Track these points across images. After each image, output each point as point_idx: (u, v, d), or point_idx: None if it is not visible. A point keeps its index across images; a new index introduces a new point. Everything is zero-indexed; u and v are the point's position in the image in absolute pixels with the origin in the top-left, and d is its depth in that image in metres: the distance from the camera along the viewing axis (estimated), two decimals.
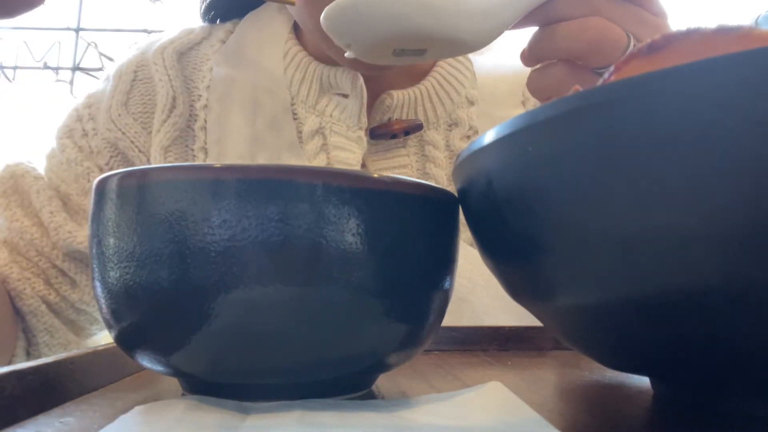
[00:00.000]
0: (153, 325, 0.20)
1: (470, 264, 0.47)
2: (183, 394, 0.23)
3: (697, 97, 0.14)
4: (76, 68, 1.55)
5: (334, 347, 0.20)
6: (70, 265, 0.51)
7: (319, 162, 0.50)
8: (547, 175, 0.17)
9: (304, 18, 0.46)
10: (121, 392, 0.24)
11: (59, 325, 0.52)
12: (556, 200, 0.17)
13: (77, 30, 1.57)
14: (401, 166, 0.52)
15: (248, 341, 0.19)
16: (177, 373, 0.21)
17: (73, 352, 0.25)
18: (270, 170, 0.19)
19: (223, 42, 0.56)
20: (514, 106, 0.54)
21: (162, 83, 0.53)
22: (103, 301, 0.21)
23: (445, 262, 0.22)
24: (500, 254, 0.22)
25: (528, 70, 0.56)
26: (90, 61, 1.56)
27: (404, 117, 0.52)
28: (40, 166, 0.55)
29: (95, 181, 0.21)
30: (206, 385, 0.21)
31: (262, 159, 0.50)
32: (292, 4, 0.42)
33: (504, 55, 0.57)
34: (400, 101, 0.51)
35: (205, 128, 0.52)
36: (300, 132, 0.52)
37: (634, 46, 0.34)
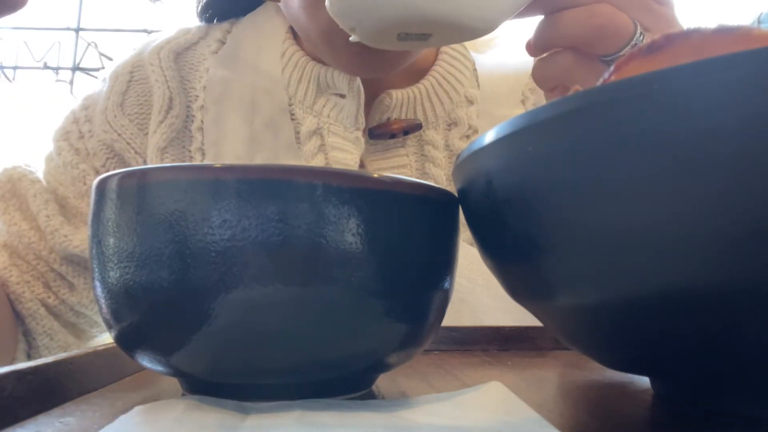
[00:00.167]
0: (153, 325, 0.20)
1: (470, 264, 0.47)
2: (183, 394, 0.23)
3: (697, 97, 0.14)
4: (76, 68, 1.55)
5: (334, 347, 0.20)
6: (67, 269, 0.51)
7: (317, 163, 0.50)
8: (547, 175, 0.17)
9: (302, 23, 0.46)
10: (121, 392, 0.24)
11: (59, 328, 0.52)
12: (556, 200, 0.17)
13: (77, 30, 1.57)
14: (400, 166, 0.52)
15: (248, 341, 0.19)
16: (177, 373, 0.21)
17: (73, 352, 0.25)
18: (270, 170, 0.19)
19: (221, 42, 0.55)
20: (514, 105, 0.54)
21: (158, 84, 0.53)
22: (103, 301, 0.21)
23: (445, 262, 0.22)
24: (500, 254, 0.22)
25: (529, 68, 0.56)
26: (90, 61, 1.56)
27: (403, 116, 0.51)
28: (40, 167, 0.55)
29: (95, 182, 0.21)
30: (206, 385, 0.21)
31: (260, 160, 0.50)
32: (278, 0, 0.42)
33: (505, 54, 0.56)
34: (399, 101, 0.51)
35: (202, 129, 0.52)
36: (298, 133, 0.51)
37: (641, 34, 0.34)
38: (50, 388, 0.22)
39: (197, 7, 0.59)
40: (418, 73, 0.53)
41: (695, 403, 0.20)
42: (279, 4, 0.49)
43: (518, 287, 0.22)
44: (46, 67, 1.53)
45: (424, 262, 0.21)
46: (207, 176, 0.18)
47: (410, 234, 0.20)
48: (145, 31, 1.56)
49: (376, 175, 0.20)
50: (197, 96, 0.53)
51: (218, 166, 0.19)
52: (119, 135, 0.53)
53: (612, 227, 0.16)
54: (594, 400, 0.23)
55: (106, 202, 0.20)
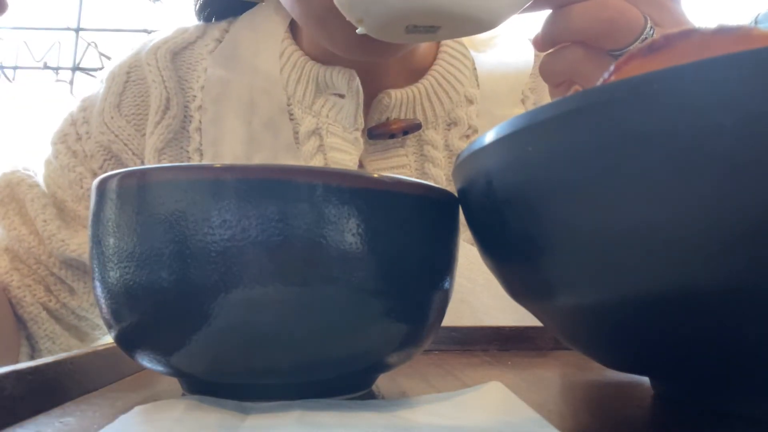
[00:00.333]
0: (153, 325, 0.20)
1: (470, 264, 0.46)
2: (183, 394, 0.23)
3: (697, 97, 0.14)
4: (76, 68, 1.55)
5: (334, 347, 0.20)
6: (67, 273, 0.51)
7: (316, 163, 0.50)
8: (547, 175, 0.17)
9: (297, 9, 0.46)
10: (121, 392, 0.24)
11: (60, 332, 0.52)
12: (556, 200, 0.17)
13: (77, 30, 1.57)
14: (400, 166, 0.52)
15: (248, 341, 0.19)
16: (177, 373, 0.21)
17: (73, 352, 0.25)
18: (270, 170, 0.19)
19: (218, 41, 0.55)
20: (514, 105, 0.54)
21: (155, 84, 0.53)
22: (103, 301, 0.21)
23: (445, 262, 0.22)
24: (500, 254, 0.22)
25: (529, 67, 0.56)
26: (90, 61, 1.56)
27: (402, 116, 0.51)
28: (40, 168, 0.55)
29: (95, 182, 0.21)
30: (206, 385, 0.21)
31: (259, 160, 0.50)
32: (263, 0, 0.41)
33: (505, 53, 0.56)
34: (399, 100, 0.51)
35: (200, 129, 0.52)
36: (297, 133, 0.51)
37: (651, 28, 0.34)
38: (50, 388, 0.22)
39: (195, 5, 0.58)
40: (417, 73, 0.53)
41: (695, 403, 0.20)
42: None
43: (518, 287, 0.22)
44: (46, 67, 1.53)
45: (424, 262, 0.21)
46: (207, 176, 0.18)
47: (410, 234, 0.20)
48: (145, 31, 1.56)
49: (376, 175, 0.20)
50: (195, 96, 0.53)
51: (218, 166, 0.19)
52: (116, 136, 0.52)
53: (612, 227, 0.16)
54: (594, 400, 0.23)
55: (106, 203, 0.20)
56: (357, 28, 0.39)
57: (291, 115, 0.52)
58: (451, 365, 0.30)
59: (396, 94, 0.50)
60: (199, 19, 0.59)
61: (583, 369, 0.30)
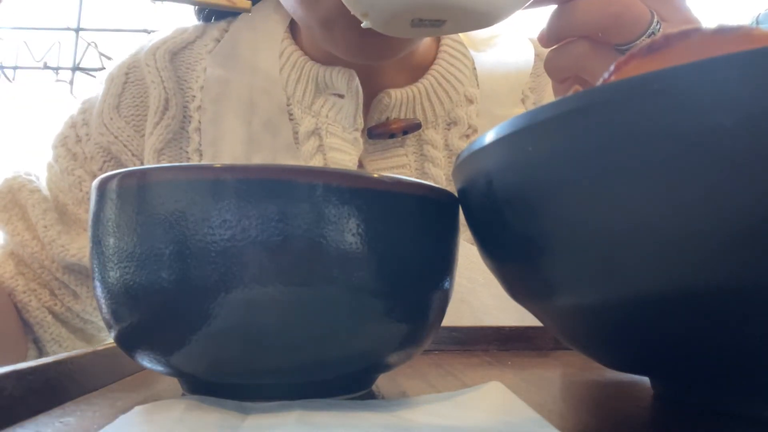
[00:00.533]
0: (153, 325, 0.20)
1: (470, 264, 0.46)
2: (183, 394, 0.23)
3: (697, 97, 0.14)
4: (76, 68, 1.55)
5: (334, 347, 0.20)
6: (69, 278, 0.51)
7: (316, 163, 0.50)
8: (547, 175, 0.17)
9: (300, 12, 0.46)
10: (121, 392, 0.24)
11: (67, 334, 0.52)
12: (556, 200, 0.17)
13: (77, 30, 1.57)
14: (399, 166, 0.52)
15: (248, 341, 0.19)
16: (177, 373, 0.21)
17: (73, 352, 0.25)
18: (270, 170, 0.19)
19: (218, 41, 0.55)
20: (514, 104, 0.54)
21: (154, 85, 0.53)
22: (103, 301, 0.21)
23: (445, 262, 0.22)
24: (500, 254, 0.22)
25: (529, 67, 0.56)
26: (90, 61, 1.56)
27: (402, 116, 0.51)
28: (40, 168, 0.55)
29: (95, 182, 0.21)
30: (206, 385, 0.21)
31: (258, 160, 0.50)
32: (248, 10, 0.41)
33: (505, 53, 0.56)
34: (398, 100, 0.50)
35: (199, 130, 0.52)
36: (296, 133, 0.51)
37: (658, 22, 0.34)
38: (50, 388, 0.22)
39: (194, 5, 0.58)
40: (417, 72, 0.53)
41: (695, 403, 0.20)
42: None
43: (518, 287, 0.22)
44: (46, 67, 1.53)
45: (424, 262, 0.21)
46: (207, 176, 0.18)
47: (410, 234, 0.20)
48: (145, 31, 1.56)
49: (376, 175, 0.20)
50: (194, 96, 0.53)
51: (218, 166, 0.19)
52: (116, 137, 0.52)
53: (612, 227, 0.16)
54: (594, 400, 0.23)
55: (106, 203, 0.20)
56: (359, 32, 0.39)
57: (290, 115, 0.52)
58: (451, 365, 0.30)
59: (396, 94, 0.50)
60: (199, 19, 0.59)
61: (583, 369, 0.30)
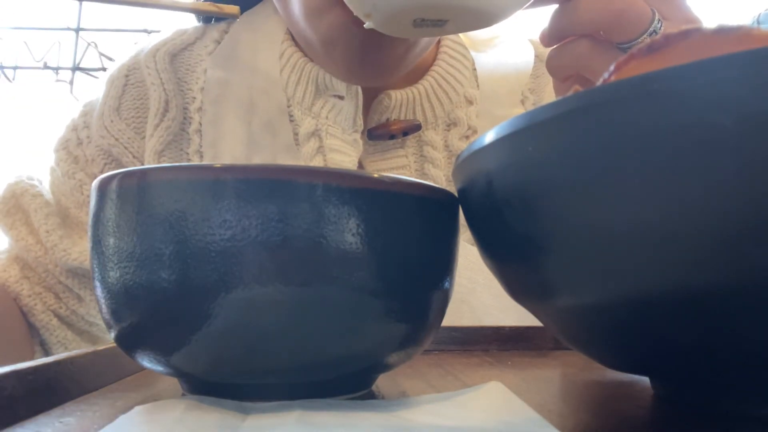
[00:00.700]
0: (153, 325, 0.20)
1: (470, 264, 0.46)
2: (183, 394, 0.23)
3: (697, 97, 0.14)
4: (76, 68, 1.55)
5: (334, 347, 0.20)
6: (73, 281, 0.52)
7: (316, 164, 0.50)
8: (547, 175, 0.17)
9: (302, 30, 0.46)
10: (121, 392, 0.24)
11: (72, 337, 0.52)
12: (556, 200, 0.17)
13: (77, 30, 1.57)
14: (399, 167, 0.52)
15: (248, 341, 0.19)
16: (177, 373, 0.21)
17: (73, 352, 0.25)
18: (270, 170, 0.19)
19: (218, 42, 0.55)
20: (513, 105, 0.54)
21: (154, 87, 0.53)
22: (103, 301, 0.21)
23: (445, 262, 0.22)
24: (500, 254, 0.22)
25: (529, 68, 0.56)
26: (90, 61, 1.56)
27: (402, 117, 0.51)
28: (40, 169, 0.55)
29: (95, 182, 0.21)
30: (206, 385, 0.21)
31: (258, 161, 0.50)
32: (236, 16, 0.41)
33: (505, 53, 0.56)
34: (398, 101, 0.51)
35: (199, 131, 0.52)
36: (296, 134, 0.51)
37: (659, 21, 0.34)
38: (50, 388, 0.22)
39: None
40: (417, 73, 0.53)
41: (695, 403, 0.20)
42: (278, 8, 0.49)
43: (518, 287, 0.22)
44: (46, 67, 1.53)
45: (424, 262, 0.21)
46: (207, 176, 0.18)
47: (410, 234, 0.20)
48: (145, 31, 1.56)
49: (375, 175, 0.20)
50: (194, 98, 0.53)
51: (218, 166, 0.19)
52: (116, 140, 0.52)
53: (612, 227, 0.16)
54: (594, 400, 0.23)
55: (106, 203, 0.20)
56: (359, 53, 0.39)
57: (291, 116, 0.52)
58: (451, 365, 0.30)
59: (396, 95, 0.50)
60: (198, 21, 0.59)
61: (583, 369, 0.30)
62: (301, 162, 0.50)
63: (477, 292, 0.47)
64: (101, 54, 1.54)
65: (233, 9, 0.44)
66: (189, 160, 0.52)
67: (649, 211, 0.15)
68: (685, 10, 0.36)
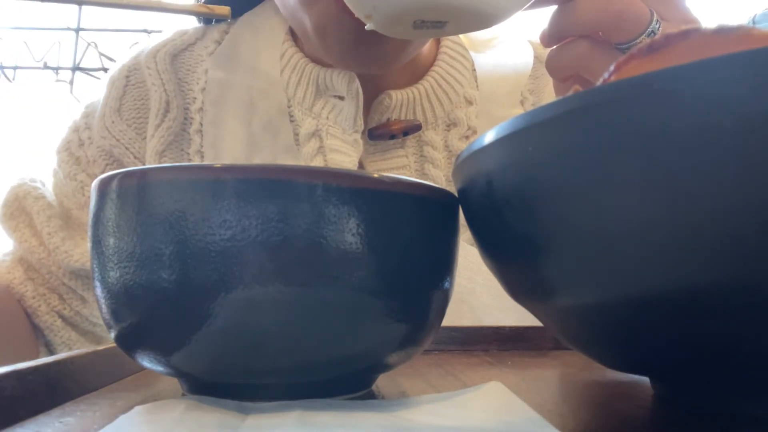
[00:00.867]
0: (153, 325, 0.20)
1: (470, 264, 0.47)
2: (183, 394, 0.23)
3: (697, 97, 0.14)
4: (76, 68, 1.54)
5: (334, 347, 0.20)
6: (76, 283, 0.52)
7: (317, 165, 0.50)
8: (547, 175, 0.17)
9: (298, 17, 0.46)
10: (121, 392, 0.24)
11: (77, 338, 0.53)
12: (556, 200, 0.17)
13: (77, 30, 1.57)
14: (399, 167, 0.52)
15: (248, 341, 0.19)
16: (177, 373, 0.21)
17: (73, 352, 0.25)
18: (270, 170, 0.19)
19: (218, 42, 0.55)
20: (513, 106, 0.54)
21: (155, 87, 0.53)
22: (103, 301, 0.21)
23: (445, 262, 0.22)
24: (500, 254, 0.22)
25: (528, 69, 0.56)
26: (90, 61, 1.56)
27: (403, 117, 0.51)
28: (40, 169, 0.55)
29: (95, 182, 0.21)
30: (206, 385, 0.21)
31: (259, 161, 0.50)
32: (227, 17, 0.42)
33: (505, 55, 0.56)
34: (399, 101, 0.51)
35: (200, 131, 0.52)
36: (297, 134, 0.51)
37: (657, 21, 0.34)
38: (50, 388, 0.22)
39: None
40: (417, 74, 0.53)
41: (695, 403, 0.20)
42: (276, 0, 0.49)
43: (518, 287, 0.22)
44: (46, 67, 1.53)
45: (424, 262, 0.21)
46: (207, 176, 0.18)
47: (410, 234, 0.20)
48: (145, 31, 1.55)
49: (376, 175, 0.20)
50: (195, 98, 0.53)
51: (218, 166, 0.19)
52: (117, 140, 0.53)
53: (612, 227, 0.16)
54: (594, 400, 0.23)
55: (106, 203, 0.20)
56: (352, 40, 0.39)
57: (291, 116, 0.52)
58: (451, 365, 0.30)
59: (396, 95, 0.50)
60: (199, 21, 0.59)
61: (583, 369, 0.30)
62: (301, 162, 0.50)
63: (477, 292, 0.47)
64: (101, 54, 1.54)
65: (224, 10, 0.45)
66: (190, 160, 0.52)
67: (649, 211, 0.15)
68: (683, 11, 0.36)
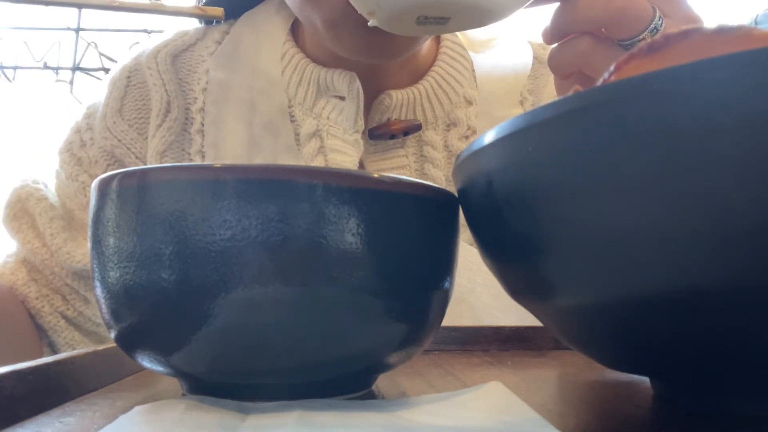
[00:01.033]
0: (153, 325, 0.20)
1: (470, 264, 0.47)
2: (183, 394, 0.23)
3: (697, 97, 0.14)
4: (76, 68, 1.54)
5: (334, 347, 0.20)
6: (79, 284, 0.52)
7: (317, 165, 0.50)
8: (547, 175, 0.17)
9: (307, 11, 0.46)
10: (121, 392, 0.24)
11: (80, 338, 0.53)
12: (556, 200, 0.17)
13: (77, 30, 1.57)
14: (399, 167, 0.52)
15: (248, 341, 0.19)
16: (177, 373, 0.21)
17: (73, 352, 0.25)
18: (270, 170, 0.19)
19: (219, 43, 0.55)
20: (512, 106, 0.54)
21: (156, 88, 0.53)
22: (103, 301, 0.21)
23: (445, 262, 0.22)
24: (500, 254, 0.22)
25: (527, 69, 0.56)
26: (90, 61, 1.55)
27: (403, 117, 0.51)
28: (40, 168, 0.55)
29: (95, 182, 0.21)
30: (206, 385, 0.21)
31: (260, 162, 0.50)
32: (220, 18, 0.42)
33: (504, 55, 0.56)
34: (399, 101, 0.51)
35: (201, 131, 0.52)
36: (297, 134, 0.51)
37: (660, 18, 0.34)
38: (50, 388, 0.22)
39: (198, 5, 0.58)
40: (417, 74, 0.53)
41: (695, 403, 0.20)
42: None
43: (518, 287, 0.22)
44: (46, 67, 1.53)
45: (424, 262, 0.21)
46: (207, 176, 0.18)
47: (410, 234, 0.20)
48: (145, 31, 1.55)
49: (376, 175, 0.20)
50: (196, 98, 0.53)
51: (218, 166, 0.19)
52: (119, 141, 0.53)
53: (612, 227, 0.16)
54: (594, 400, 0.23)
55: (106, 202, 0.20)
56: (365, 32, 0.39)
57: (292, 116, 0.52)
58: (451, 365, 0.30)
59: (397, 95, 0.50)
60: (200, 21, 0.59)
61: (583, 369, 0.30)
62: (302, 162, 0.50)
63: (477, 292, 0.47)
64: (101, 54, 1.53)
65: (217, 12, 0.45)
66: (191, 160, 0.52)
67: (649, 211, 0.15)
68: (685, 8, 0.36)
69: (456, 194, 0.23)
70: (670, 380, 0.21)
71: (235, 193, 0.18)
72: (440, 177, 0.52)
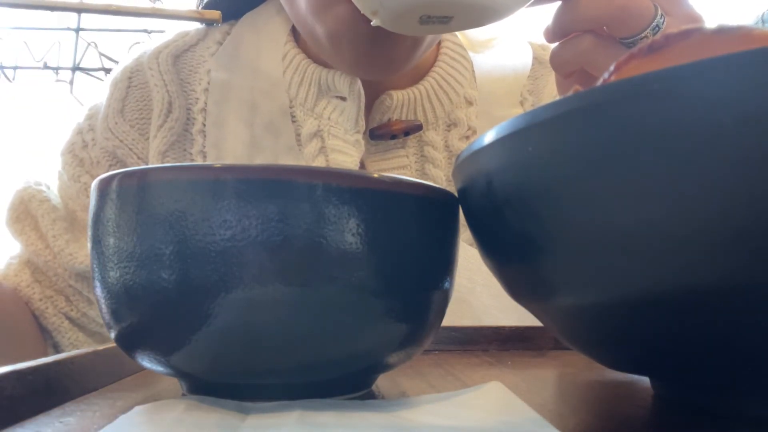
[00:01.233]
0: (153, 325, 0.20)
1: (470, 264, 0.47)
2: (183, 394, 0.23)
3: (697, 97, 0.14)
4: (76, 68, 1.54)
5: (334, 347, 0.20)
6: (82, 285, 0.52)
7: (318, 165, 0.50)
8: (547, 175, 0.17)
9: (309, 25, 0.46)
10: (121, 392, 0.24)
11: (84, 339, 0.53)
12: (556, 200, 0.17)
13: (77, 30, 1.57)
14: (400, 167, 0.52)
15: (248, 341, 0.19)
16: (177, 373, 0.21)
17: (73, 352, 0.25)
18: (270, 170, 0.19)
19: (220, 43, 0.55)
20: (512, 106, 0.54)
21: (157, 88, 0.53)
22: (103, 301, 0.21)
23: (445, 262, 0.22)
24: (500, 254, 0.22)
25: (527, 69, 0.56)
26: (90, 61, 1.55)
27: (403, 117, 0.51)
28: (40, 169, 0.55)
29: (95, 182, 0.21)
30: (206, 385, 0.21)
31: (261, 162, 0.50)
32: (218, 21, 0.42)
33: (504, 55, 0.57)
34: (400, 101, 0.51)
35: (203, 132, 0.52)
36: (298, 135, 0.51)
37: (662, 16, 0.34)
38: (50, 388, 0.22)
39: (197, 8, 0.58)
40: (418, 74, 0.53)
41: (695, 403, 0.20)
42: (283, 5, 0.49)
43: (518, 287, 0.22)
44: (46, 67, 1.53)
45: (424, 262, 0.21)
46: (207, 176, 0.18)
47: (410, 234, 0.20)
48: (145, 31, 1.55)
49: (376, 175, 0.20)
50: (197, 98, 0.53)
51: (218, 166, 0.19)
52: (121, 141, 0.53)
53: (612, 227, 0.16)
54: (594, 400, 0.23)
55: (106, 202, 0.20)
56: (366, 47, 0.39)
57: (293, 117, 0.52)
58: (451, 365, 0.30)
59: (397, 96, 0.51)
60: (201, 22, 0.59)
61: (583, 369, 0.30)
62: (303, 162, 0.50)
63: (477, 292, 0.47)
64: (101, 54, 1.53)
65: (214, 14, 0.45)
66: (192, 160, 0.52)
67: (649, 211, 0.15)
68: (686, 7, 0.36)
69: (456, 194, 0.23)
70: (670, 380, 0.21)
71: (235, 193, 0.18)
72: (441, 177, 0.52)
